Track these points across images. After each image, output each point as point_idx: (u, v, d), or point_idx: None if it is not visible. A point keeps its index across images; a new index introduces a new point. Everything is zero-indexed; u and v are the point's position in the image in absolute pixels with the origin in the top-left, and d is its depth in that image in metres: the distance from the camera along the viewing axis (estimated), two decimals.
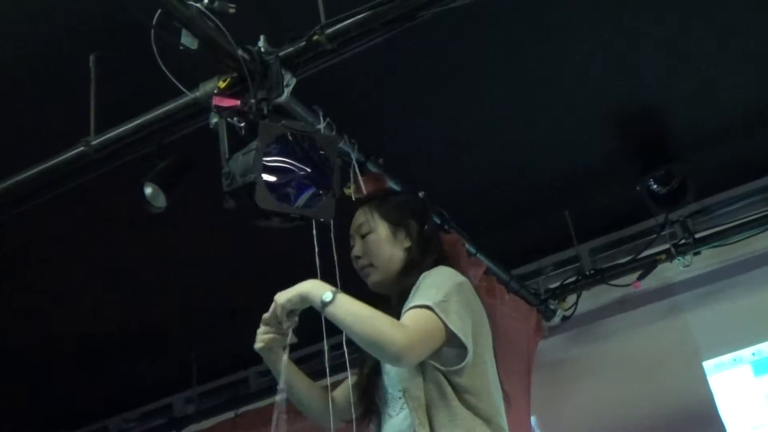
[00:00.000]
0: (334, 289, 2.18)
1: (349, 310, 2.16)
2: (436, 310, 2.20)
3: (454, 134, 3.89)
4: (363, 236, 2.53)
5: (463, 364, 2.23)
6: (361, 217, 2.56)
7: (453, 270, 2.41)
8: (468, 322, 2.27)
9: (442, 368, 2.23)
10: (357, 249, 2.53)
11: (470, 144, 3.97)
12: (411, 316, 2.20)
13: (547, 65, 3.57)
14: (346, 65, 2.82)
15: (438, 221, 3.67)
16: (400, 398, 2.30)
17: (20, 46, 3.08)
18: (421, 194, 2.61)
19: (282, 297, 2.23)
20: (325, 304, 2.16)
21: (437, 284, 2.31)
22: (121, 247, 4.27)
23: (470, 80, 3.58)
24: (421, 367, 2.24)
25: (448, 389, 2.23)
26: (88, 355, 5.09)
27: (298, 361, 5.26)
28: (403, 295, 2.36)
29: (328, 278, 2.42)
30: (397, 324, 2.17)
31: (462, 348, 2.23)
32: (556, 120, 3.89)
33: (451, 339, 2.21)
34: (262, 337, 2.32)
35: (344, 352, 2.42)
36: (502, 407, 2.33)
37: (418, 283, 2.34)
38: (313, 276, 2.34)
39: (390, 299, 2.44)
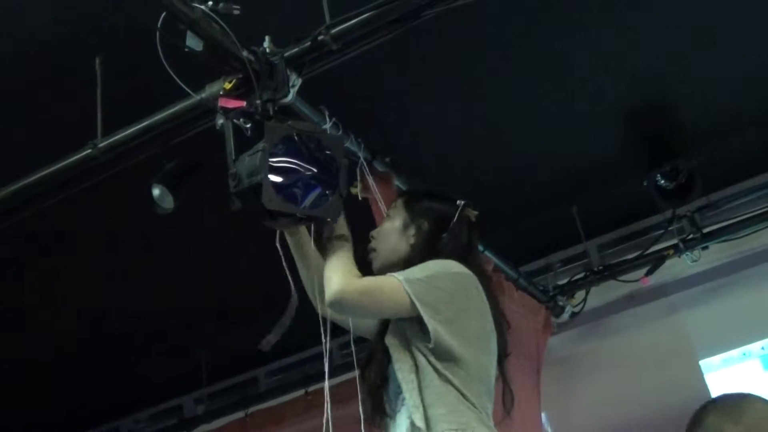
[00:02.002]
0: (347, 236, 2.42)
1: (335, 255, 2.37)
2: (404, 282, 2.27)
3: (460, 131, 3.89)
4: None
5: (431, 343, 2.24)
6: (393, 203, 2.63)
7: (458, 264, 2.41)
8: (443, 299, 2.29)
9: (419, 344, 2.26)
10: (375, 230, 2.58)
11: (476, 141, 3.97)
12: (371, 277, 2.37)
13: (553, 63, 3.57)
14: (351, 65, 2.82)
15: None
16: (400, 394, 2.32)
17: (26, 50, 3.09)
18: (459, 203, 2.59)
19: None
20: (331, 237, 2.39)
21: (426, 266, 2.36)
22: (128, 249, 4.28)
23: (476, 78, 3.58)
24: (410, 352, 2.28)
25: (430, 369, 2.25)
26: (98, 356, 5.10)
27: (304, 361, 5.32)
28: None
29: None
30: (352, 275, 2.33)
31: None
32: (562, 116, 3.89)
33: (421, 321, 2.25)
34: None
35: (352, 351, 2.44)
36: (490, 406, 2.34)
37: None
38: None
39: None
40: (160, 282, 4.56)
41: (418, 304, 2.25)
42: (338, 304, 2.29)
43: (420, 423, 2.19)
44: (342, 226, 2.45)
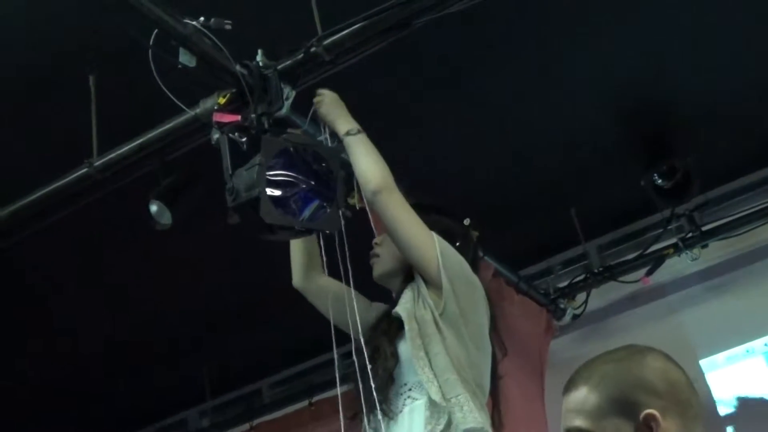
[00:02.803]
0: (359, 127, 2.44)
1: (367, 147, 2.40)
2: (437, 241, 2.34)
3: (456, 135, 3.89)
4: None
5: (440, 309, 2.31)
6: None
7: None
8: (463, 281, 2.35)
9: (431, 304, 2.32)
10: (380, 237, 2.60)
11: (472, 145, 3.96)
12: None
13: (549, 64, 3.57)
14: (344, 74, 2.82)
15: None
16: (401, 394, 2.35)
17: (20, 69, 3.10)
18: (466, 221, 2.62)
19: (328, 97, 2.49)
20: (349, 134, 2.42)
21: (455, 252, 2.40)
22: (128, 262, 4.27)
23: (472, 80, 3.58)
24: (416, 319, 2.33)
25: (438, 336, 2.30)
26: (99, 370, 5.10)
27: (308, 371, 5.31)
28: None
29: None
30: (391, 179, 2.38)
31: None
32: (558, 118, 3.89)
33: (436, 277, 2.31)
34: None
35: (354, 361, 2.44)
36: (484, 399, 2.37)
37: None
38: None
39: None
40: (160, 294, 4.55)
41: (441, 267, 2.30)
42: (381, 194, 2.35)
43: (436, 396, 2.21)
44: (350, 121, 2.47)
